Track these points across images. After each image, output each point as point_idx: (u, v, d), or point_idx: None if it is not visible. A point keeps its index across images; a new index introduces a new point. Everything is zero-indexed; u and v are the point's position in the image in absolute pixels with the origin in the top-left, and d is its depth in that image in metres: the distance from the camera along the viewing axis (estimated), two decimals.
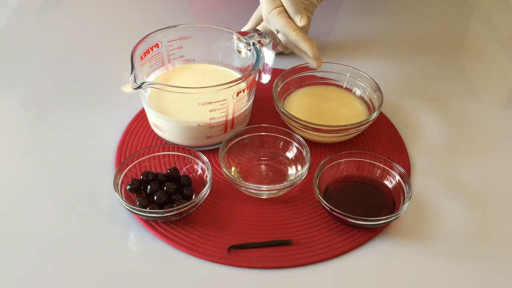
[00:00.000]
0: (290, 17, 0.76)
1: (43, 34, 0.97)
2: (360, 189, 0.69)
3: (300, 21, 0.76)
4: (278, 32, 0.79)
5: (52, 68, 0.89)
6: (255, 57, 0.73)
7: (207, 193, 0.65)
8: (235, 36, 0.76)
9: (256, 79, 0.74)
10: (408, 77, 0.90)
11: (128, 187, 0.66)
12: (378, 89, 0.77)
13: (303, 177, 0.68)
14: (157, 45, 0.75)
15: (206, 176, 0.66)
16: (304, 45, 0.75)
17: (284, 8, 0.76)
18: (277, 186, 0.66)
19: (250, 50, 0.75)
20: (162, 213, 0.62)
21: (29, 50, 0.92)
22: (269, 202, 0.68)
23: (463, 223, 0.66)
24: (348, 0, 1.09)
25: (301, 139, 0.71)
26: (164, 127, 0.72)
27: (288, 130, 0.72)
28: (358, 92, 0.80)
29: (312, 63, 0.77)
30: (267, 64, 0.75)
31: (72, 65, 0.89)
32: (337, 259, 0.62)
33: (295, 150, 0.72)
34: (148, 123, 0.76)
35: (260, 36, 0.74)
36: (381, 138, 0.77)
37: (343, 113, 0.78)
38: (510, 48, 1.00)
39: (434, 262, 0.62)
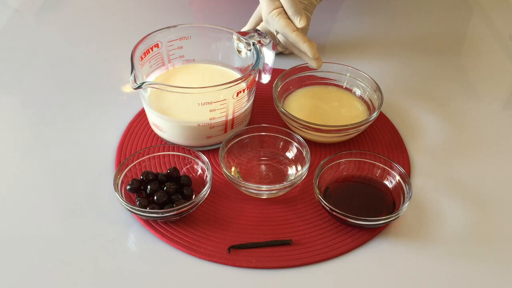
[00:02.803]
0: (289, 18, 0.76)
1: (43, 34, 0.97)
2: (360, 189, 0.69)
3: (299, 22, 0.75)
4: (277, 33, 0.79)
5: (52, 68, 0.89)
6: (255, 57, 0.73)
7: (207, 193, 0.65)
8: (235, 36, 0.76)
9: (256, 79, 0.74)
10: (408, 77, 0.90)
11: (128, 187, 0.66)
12: (378, 89, 0.77)
13: (303, 177, 0.68)
14: (157, 45, 0.75)
15: (206, 176, 0.66)
16: (304, 46, 0.75)
17: (284, 9, 0.76)
18: (277, 186, 0.66)
19: (250, 50, 0.75)
20: (162, 213, 0.62)
21: (29, 50, 0.92)
22: (269, 202, 0.68)
23: (463, 223, 0.66)
24: (348, 0, 1.09)
25: (301, 139, 0.71)
26: (164, 127, 0.72)
27: (288, 130, 0.72)
28: (358, 92, 0.80)
29: (312, 64, 0.77)
30: (267, 64, 0.75)
31: (72, 65, 0.89)
32: (337, 259, 0.62)
33: (295, 150, 0.72)
34: (148, 123, 0.76)
35: (260, 36, 0.74)
36: (381, 138, 0.77)
37: (343, 113, 0.78)
38: (510, 48, 1.00)
39: (434, 262, 0.62)
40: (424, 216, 0.67)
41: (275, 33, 0.80)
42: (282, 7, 0.76)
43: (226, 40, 0.77)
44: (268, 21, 0.78)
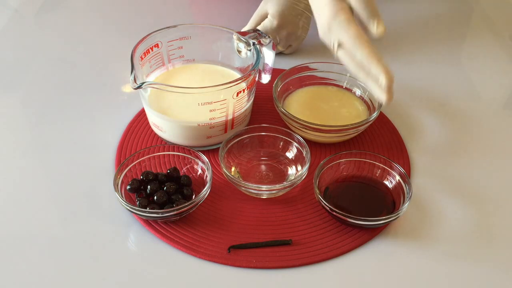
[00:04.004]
0: (358, 26, 0.58)
1: (43, 34, 0.97)
2: (360, 189, 0.69)
3: (377, 27, 0.57)
4: (339, 45, 0.59)
5: (52, 68, 0.89)
6: (255, 57, 0.73)
7: (207, 193, 0.65)
8: (235, 36, 0.76)
9: (256, 79, 0.74)
10: (408, 77, 0.90)
11: (128, 187, 0.66)
12: None
13: (303, 177, 0.68)
14: (157, 45, 0.75)
15: (206, 176, 0.66)
16: (379, 67, 0.56)
17: (352, 13, 0.58)
18: (277, 186, 0.66)
19: (250, 50, 0.75)
20: (162, 213, 0.62)
21: (29, 50, 0.92)
22: (269, 202, 0.68)
23: (463, 223, 0.66)
24: None
25: (301, 139, 0.71)
26: (164, 127, 0.72)
27: (288, 130, 0.72)
28: (358, 92, 0.80)
29: (381, 96, 0.58)
30: (267, 64, 0.75)
31: (72, 65, 0.89)
32: (337, 259, 0.62)
33: (295, 150, 0.72)
34: (148, 123, 0.76)
35: (260, 36, 0.74)
36: (381, 138, 0.77)
37: (343, 113, 0.78)
38: (510, 48, 1.00)
39: (434, 262, 0.62)
40: (424, 216, 0.67)
41: (335, 46, 0.60)
42: (350, 9, 0.58)
43: (226, 40, 0.77)
44: (331, 29, 0.58)
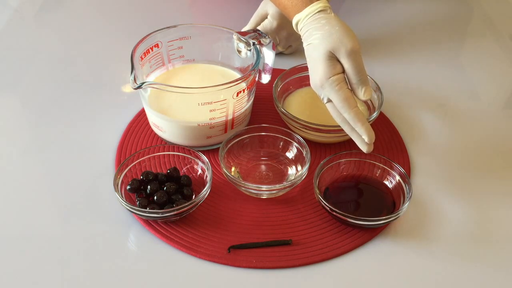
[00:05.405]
0: (350, 88, 0.66)
1: (43, 34, 0.97)
2: (360, 189, 0.69)
3: (363, 93, 0.65)
4: (329, 100, 0.66)
5: (52, 68, 0.89)
6: (255, 57, 0.73)
7: (207, 193, 0.65)
8: (235, 36, 0.76)
9: (256, 79, 0.74)
10: (408, 77, 0.90)
11: (128, 187, 0.66)
12: (378, 89, 0.77)
13: (303, 177, 0.68)
14: (157, 45, 0.75)
15: (206, 176, 0.66)
16: (362, 128, 0.65)
17: (345, 77, 0.66)
18: (277, 186, 0.66)
19: (250, 50, 0.75)
20: (162, 213, 0.62)
21: (29, 50, 0.92)
22: (269, 202, 0.68)
23: (463, 223, 0.66)
24: (348, 0, 1.09)
25: (301, 139, 0.71)
26: (164, 127, 0.72)
27: (288, 130, 0.72)
28: None
29: (363, 147, 0.66)
30: (267, 64, 0.75)
31: (72, 65, 0.89)
32: (337, 259, 0.62)
33: (295, 150, 0.72)
34: (148, 123, 0.76)
35: (260, 36, 0.74)
36: (381, 138, 0.77)
37: None
38: (510, 48, 1.00)
39: (434, 262, 0.62)
40: (424, 216, 0.67)
41: (325, 100, 0.67)
42: (343, 73, 0.65)
43: (226, 40, 0.77)
44: (323, 86, 0.66)
